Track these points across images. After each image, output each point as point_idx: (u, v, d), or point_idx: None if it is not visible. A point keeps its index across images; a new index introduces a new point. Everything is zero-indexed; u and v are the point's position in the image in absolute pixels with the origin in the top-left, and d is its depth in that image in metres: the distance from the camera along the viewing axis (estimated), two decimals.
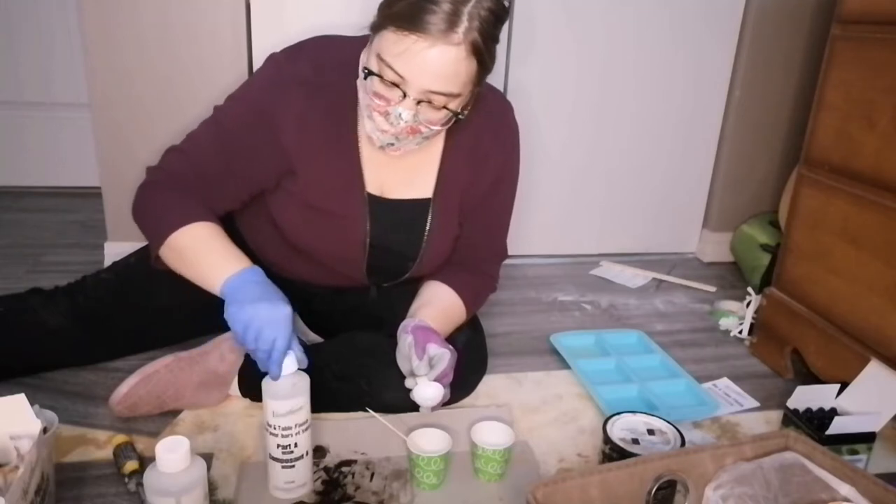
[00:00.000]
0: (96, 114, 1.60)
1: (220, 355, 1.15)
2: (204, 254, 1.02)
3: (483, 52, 0.96)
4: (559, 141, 1.87)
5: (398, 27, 0.92)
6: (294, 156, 1.08)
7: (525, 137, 1.23)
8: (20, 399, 0.87)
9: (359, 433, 1.11)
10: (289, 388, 0.92)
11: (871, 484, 0.81)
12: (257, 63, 1.54)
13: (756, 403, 1.29)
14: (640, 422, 1.03)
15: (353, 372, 1.14)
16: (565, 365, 1.38)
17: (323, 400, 1.09)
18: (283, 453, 0.92)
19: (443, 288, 1.21)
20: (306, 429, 0.93)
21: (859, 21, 1.22)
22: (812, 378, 1.29)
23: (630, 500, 0.82)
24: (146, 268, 1.19)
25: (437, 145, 1.16)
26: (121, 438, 1.04)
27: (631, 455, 0.91)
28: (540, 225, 1.94)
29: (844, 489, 0.82)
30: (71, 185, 2.38)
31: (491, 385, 1.29)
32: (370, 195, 1.14)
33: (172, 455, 0.79)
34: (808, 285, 1.33)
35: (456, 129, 1.14)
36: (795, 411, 1.11)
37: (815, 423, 1.07)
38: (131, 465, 0.98)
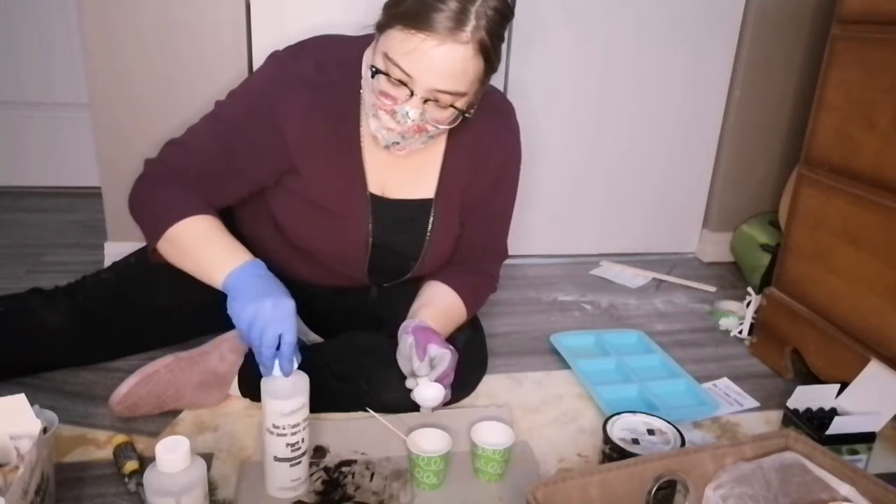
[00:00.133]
0: (96, 114, 1.60)
1: (220, 355, 1.14)
2: (204, 247, 1.01)
3: (490, 51, 0.97)
4: (559, 141, 1.87)
5: (405, 26, 0.92)
6: (296, 153, 1.08)
7: (525, 137, 1.23)
8: (20, 399, 0.87)
9: (359, 433, 1.11)
10: (291, 387, 0.92)
11: (871, 484, 0.81)
12: (257, 63, 1.54)
13: (756, 403, 1.29)
14: (640, 422, 1.03)
15: (353, 372, 1.14)
16: (565, 365, 1.38)
17: (323, 400, 1.09)
18: (292, 451, 0.92)
19: (443, 288, 1.21)
20: (307, 424, 0.93)
21: (859, 21, 1.22)
22: (812, 378, 1.29)
23: (630, 500, 0.82)
24: (146, 268, 1.19)
25: (439, 145, 1.16)
26: (121, 438, 1.04)
27: (631, 455, 0.91)
28: (540, 225, 1.94)
29: (844, 489, 0.82)
30: (71, 185, 2.38)
31: (491, 385, 1.29)
32: (372, 195, 1.14)
33: (172, 455, 0.79)
34: (808, 285, 1.33)
35: (458, 130, 1.14)
36: (795, 411, 1.12)
37: (815, 423, 1.07)
38: (131, 465, 0.98)
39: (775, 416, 1.24)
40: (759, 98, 1.91)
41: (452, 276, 1.23)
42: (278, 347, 0.91)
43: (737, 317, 1.63)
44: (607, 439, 0.98)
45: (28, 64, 2.27)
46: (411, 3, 0.92)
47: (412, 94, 0.96)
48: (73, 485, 0.97)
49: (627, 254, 2.04)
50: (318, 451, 1.06)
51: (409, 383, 1.04)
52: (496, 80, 1.68)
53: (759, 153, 1.97)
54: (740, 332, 1.58)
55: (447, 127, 1.04)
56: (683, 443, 0.98)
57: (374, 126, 1.02)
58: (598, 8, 1.76)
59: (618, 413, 1.04)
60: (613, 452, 0.96)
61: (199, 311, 1.17)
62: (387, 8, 0.97)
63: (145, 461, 0.99)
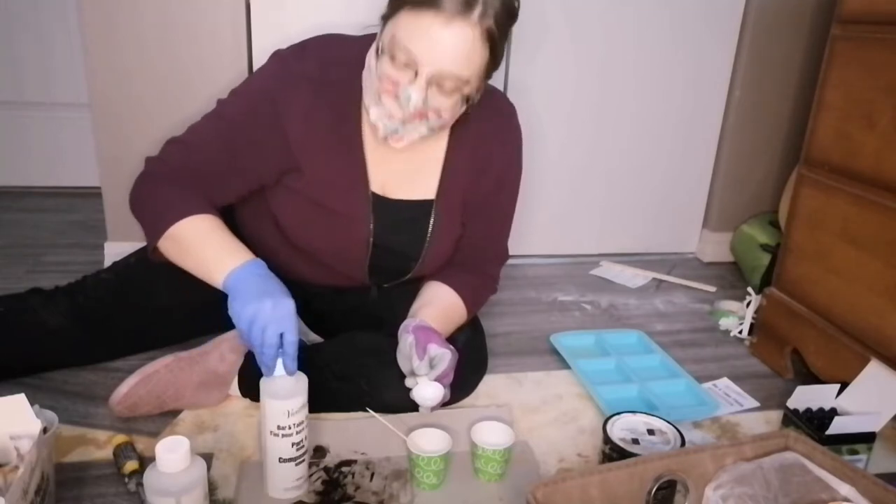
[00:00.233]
0: (96, 114, 1.60)
1: (220, 355, 1.14)
2: (205, 246, 1.01)
3: (496, 41, 0.98)
4: (559, 141, 1.87)
5: (413, 6, 0.93)
6: (298, 152, 1.08)
7: (525, 137, 1.23)
8: (20, 399, 0.87)
9: (359, 433, 1.11)
10: (292, 386, 0.92)
11: (871, 484, 0.81)
12: (257, 63, 1.55)
13: (756, 403, 1.29)
14: (640, 422, 1.03)
15: (353, 372, 1.14)
16: (565, 365, 1.38)
17: (323, 400, 1.09)
18: (297, 450, 0.92)
19: (444, 288, 1.21)
20: (307, 423, 0.94)
21: (859, 21, 1.22)
22: (812, 378, 1.29)
23: (630, 500, 0.82)
24: (146, 268, 1.19)
25: (441, 146, 1.16)
26: (121, 438, 1.04)
27: (631, 455, 0.91)
28: (540, 225, 1.94)
29: (844, 489, 0.82)
30: (71, 185, 2.38)
31: (491, 385, 1.29)
32: (374, 194, 1.14)
33: (172, 455, 0.79)
34: (808, 285, 1.33)
35: (459, 130, 1.14)
36: (795, 411, 1.11)
37: (815, 423, 1.07)
38: (131, 465, 0.98)
39: (775, 416, 1.24)
40: (759, 98, 1.91)
41: (453, 276, 1.23)
42: (280, 347, 0.92)
43: (737, 317, 1.63)
44: (607, 439, 0.98)
45: (28, 64, 2.27)
46: None
47: (416, 75, 0.96)
48: (73, 485, 0.97)
49: (627, 254, 2.04)
50: (318, 451, 1.06)
51: (408, 382, 1.04)
52: (496, 81, 1.68)
53: (759, 153, 1.97)
54: (740, 332, 1.58)
55: (447, 119, 1.04)
56: (683, 443, 0.98)
57: (375, 114, 1.01)
58: (598, 8, 1.76)
59: (618, 413, 1.04)
60: (613, 452, 0.96)
61: (199, 311, 1.17)
62: None
63: (145, 461, 0.99)
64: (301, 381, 0.93)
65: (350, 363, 1.15)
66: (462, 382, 1.16)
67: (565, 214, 1.97)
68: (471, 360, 1.20)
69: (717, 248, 2.04)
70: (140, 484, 0.93)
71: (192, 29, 1.56)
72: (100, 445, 1.06)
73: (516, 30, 1.06)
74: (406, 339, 1.05)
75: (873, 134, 1.18)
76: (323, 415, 1.14)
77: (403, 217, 1.17)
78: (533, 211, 1.88)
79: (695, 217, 2.06)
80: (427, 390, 1.02)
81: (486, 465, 1.00)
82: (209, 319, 1.14)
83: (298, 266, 1.21)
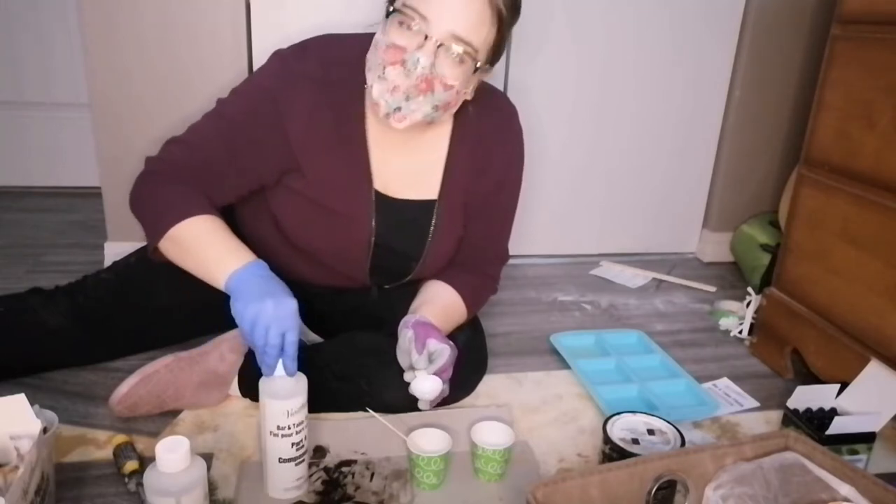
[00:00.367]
0: (96, 114, 1.60)
1: (220, 355, 1.14)
2: (206, 247, 1.01)
3: (502, 23, 0.99)
4: (559, 141, 1.87)
5: None
6: (300, 150, 1.08)
7: (525, 137, 1.23)
8: (20, 399, 0.87)
9: (359, 433, 1.11)
10: (291, 386, 0.92)
11: (871, 484, 0.81)
12: (257, 63, 1.55)
13: (756, 403, 1.29)
14: (640, 422, 1.03)
15: (353, 372, 1.14)
16: (565, 365, 1.38)
17: (323, 400, 1.09)
18: (297, 450, 0.93)
19: (444, 287, 1.21)
20: (307, 423, 0.94)
21: (859, 21, 1.22)
22: (812, 378, 1.29)
23: (630, 500, 0.82)
24: (146, 268, 1.19)
25: (442, 146, 1.16)
26: (121, 438, 1.04)
27: (631, 455, 0.91)
28: (540, 225, 1.94)
29: (844, 489, 0.82)
30: (71, 185, 2.38)
31: (491, 385, 1.29)
32: (377, 193, 1.14)
33: (172, 455, 0.79)
34: (808, 285, 1.33)
35: (461, 130, 1.15)
36: (795, 411, 1.11)
37: (815, 423, 1.07)
38: (131, 465, 0.98)
39: (775, 416, 1.24)
40: (759, 98, 1.91)
41: (453, 276, 1.23)
42: (281, 347, 0.92)
43: (737, 317, 1.63)
44: (607, 439, 0.98)
45: (28, 64, 2.27)
46: None
47: (426, 38, 0.95)
48: (73, 485, 0.97)
49: (627, 254, 2.04)
50: (318, 451, 1.06)
51: (407, 376, 1.04)
52: (496, 81, 1.68)
53: (759, 153, 1.97)
54: (740, 332, 1.58)
55: (451, 98, 1.02)
56: (683, 443, 0.98)
57: (377, 91, 1.00)
58: (598, 8, 1.76)
59: (618, 413, 1.04)
60: (613, 452, 0.96)
61: (199, 311, 1.17)
62: None
63: (145, 461, 0.99)
64: (301, 381, 0.93)
65: (350, 363, 1.15)
66: (462, 382, 1.16)
67: (565, 214, 1.96)
68: (471, 360, 1.21)
69: (717, 248, 2.04)
70: (140, 484, 0.93)
71: (192, 29, 1.56)
72: (100, 445, 1.06)
73: (517, 29, 1.06)
74: (405, 334, 1.05)
75: (873, 134, 1.18)
76: (323, 415, 1.14)
77: (405, 217, 1.17)
78: (533, 211, 1.88)
79: (695, 217, 2.06)
80: (425, 384, 1.02)
81: (486, 465, 1.00)
82: (209, 319, 1.14)
83: (298, 266, 1.21)
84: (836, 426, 1.03)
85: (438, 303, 1.18)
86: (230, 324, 0.96)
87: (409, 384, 1.03)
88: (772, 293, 1.42)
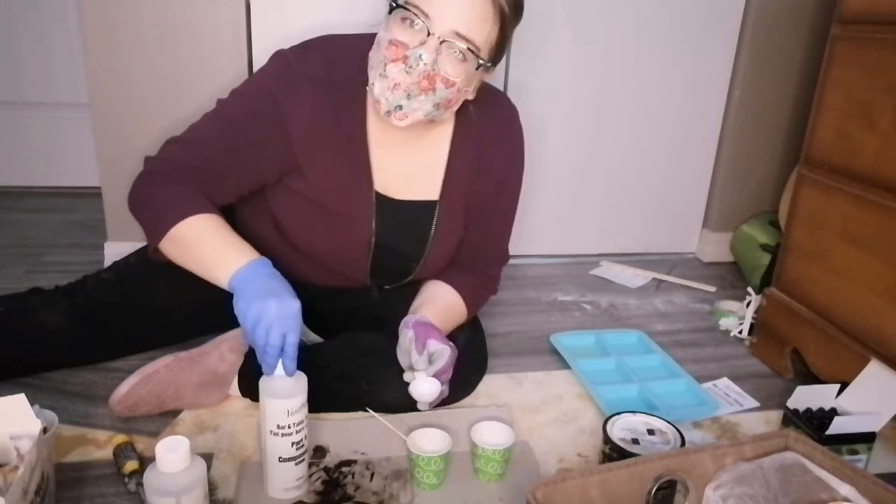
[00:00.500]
0: (96, 114, 1.60)
1: (220, 355, 1.14)
2: (208, 245, 1.00)
3: (505, 24, 0.99)
4: (559, 141, 1.87)
5: None
6: (300, 150, 1.08)
7: (525, 138, 1.24)
8: (20, 399, 0.87)
9: (359, 433, 1.11)
10: (291, 385, 0.92)
11: (871, 484, 0.81)
12: (257, 63, 1.55)
13: (756, 403, 1.29)
14: (640, 422, 1.03)
15: (353, 372, 1.14)
16: (565, 365, 1.38)
17: (323, 400, 1.09)
18: (297, 449, 0.93)
19: (444, 287, 1.21)
20: (307, 422, 0.94)
21: (859, 21, 1.22)
22: (812, 378, 1.29)
23: (630, 500, 0.82)
24: (147, 268, 1.19)
25: (443, 146, 1.16)
26: (121, 438, 1.04)
27: (631, 455, 0.91)
28: (540, 225, 1.94)
29: (844, 489, 0.82)
30: (71, 185, 2.38)
31: (491, 385, 1.29)
32: (377, 194, 1.14)
33: (172, 455, 0.79)
34: (808, 285, 1.33)
35: (462, 131, 1.15)
36: (795, 411, 1.11)
37: (815, 423, 1.07)
38: (131, 465, 0.98)
39: (775, 416, 1.24)
40: (759, 98, 1.91)
41: (454, 276, 1.23)
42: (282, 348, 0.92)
43: (737, 317, 1.63)
44: (607, 439, 0.98)
45: (28, 64, 2.27)
46: None
47: (429, 34, 0.95)
48: (73, 485, 0.97)
49: (627, 254, 2.04)
50: (318, 451, 1.06)
51: (406, 376, 1.04)
52: (497, 81, 1.68)
53: (759, 153, 1.97)
54: (740, 332, 1.58)
55: (453, 95, 1.02)
56: (683, 443, 0.98)
57: (378, 88, 1.00)
58: (598, 8, 1.76)
59: (618, 413, 1.04)
60: (613, 452, 0.96)
61: (199, 311, 1.17)
62: None
63: (145, 461, 0.99)
64: (300, 381, 0.93)
65: (350, 363, 1.15)
66: (462, 382, 1.16)
67: (565, 214, 1.96)
68: (471, 360, 1.21)
69: (717, 248, 2.04)
70: (140, 484, 0.93)
71: (192, 29, 1.56)
72: (100, 445, 1.06)
73: (517, 29, 1.06)
74: (406, 334, 1.05)
75: (873, 134, 1.18)
76: (323, 415, 1.14)
77: (406, 218, 1.17)
78: (533, 211, 1.88)
79: (695, 217, 2.06)
80: (423, 386, 1.02)
81: (486, 465, 1.00)
82: (209, 319, 1.14)
83: (299, 266, 1.21)
84: (836, 426, 1.03)
85: (439, 303, 1.18)
86: (230, 324, 0.96)
87: (408, 384, 1.03)
88: (772, 293, 1.42)
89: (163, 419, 1.12)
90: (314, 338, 1.34)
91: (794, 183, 1.38)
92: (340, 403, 1.15)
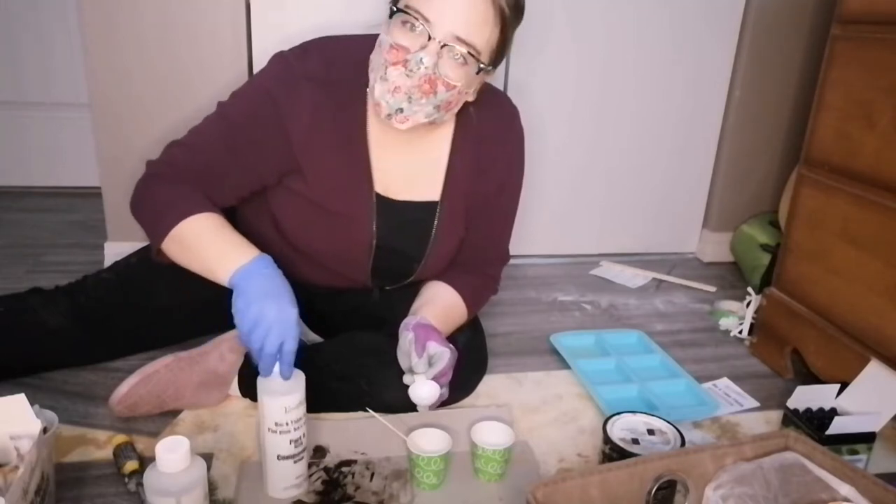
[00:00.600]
0: (96, 114, 1.60)
1: (220, 355, 1.14)
2: (209, 244, 1.00)
3: (505, 26, 0.99)
4: (559, 141, 1.87)
5: None
6: (301, 151, 1.08)
7: (526, 137, 1.24)
8: (20, 399, 0.87)
9: (359, 433, 1.11)
10: (289, 383, 0.92)
11: (871, 484, 0.81)
12: (257, 63, 1.55)
13: (756, 403, 1.29)
14: (640, 422, 1.03)
15: (354, 372, 1.14)
16: (565, 365, 1.38)
17: (323, 400, 1.09)
18: (295, 447, 0.92)
19: (445, 288, 1.21)
20: (305, 420, 0.94)
21: (859, 21, 1.22)
22: (812, 378, 1.29)
23: (630, 500, 0.82)
24: (147, 268, 1.19)
25: (444, 147, 1.16)
26: (121, 438, 1.04)
27: (631, 455, 0.91)
28: (540, 225, 1.94)
29: (844, 489, 0.82)
30: (71, 185, 2.38)
31: (491, 385, 1.29)
32: (378, 195, 1.14)
33: (172, 455, 0.79)
34: (808, 285, 1.33)
35: (463, 132, 1.15)
36: (795, 411, 1.11)
37: (815, 423, 1.07)
38: (131, 465, 0.98)
39: (775, 416, 1.24)
40: (759, 98, 1.91)
41: (454, 276, 1.23)
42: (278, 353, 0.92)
43: (737, 317, 1.63)
44: (607, 439, 0.98)
45: (28, 64, 2.27)
46: None
47: (430, 38, 0.95)
48: (73, 485, 0.97)
49: (627, 254, 2.04)
50: (318, 451, 1.06)
51: (406, 379, 1.04)
52: (497, 81, 1.68)
53: (759, 153, 1.97)
54: (740, 332, 1.58)
55: (454, 98, 1.02)
56: (683, 443, 0.98)
57: (379, 91, 1.00)
58: (598, 7, 1.76)
59: (618, 413, 1.04)
60: (613, 452, 0.96)
61: (199, 311, 1.17)
62: None
63: (145, 461, 0.99)
64: (298, 379, 0.93)
65: (350, 363, 1.15)
66: (462, 382, 1.16)
67: (565, 214, 1.96)
68: (471, 361, 1.21)
69: (717, 248, 2.04)
70: (140, 484, 0.93)
71: (192, 29, 1.56)
72: (100, 445, 1.06)
73: (518, 29, 1.06)
74: (406, 336, 1.05)
75: (873, 134, 1.18)
76: (323, 415, 1.14)
77: (407, 218, 1.17)
78: (533, 211, 1.88)
79: (695, 217, 2.06)
80: (423, 389, 1.02)
81: (486, 465, 1.00)
82: (209, 319, 1.14)
83: (299, 267, 1.21)
84: (836, 426, 1.03)
85: (439, 304, 1.18)
86: (230, 324, 0.96)
87: (408, 387, 1.03)
88: (772, 293, 1.42)
89: (163, 419, 1.12)
90: (314, 338, 1.34)
91: (794, 183, 1.38)
92: (340, 403, 1.15)
